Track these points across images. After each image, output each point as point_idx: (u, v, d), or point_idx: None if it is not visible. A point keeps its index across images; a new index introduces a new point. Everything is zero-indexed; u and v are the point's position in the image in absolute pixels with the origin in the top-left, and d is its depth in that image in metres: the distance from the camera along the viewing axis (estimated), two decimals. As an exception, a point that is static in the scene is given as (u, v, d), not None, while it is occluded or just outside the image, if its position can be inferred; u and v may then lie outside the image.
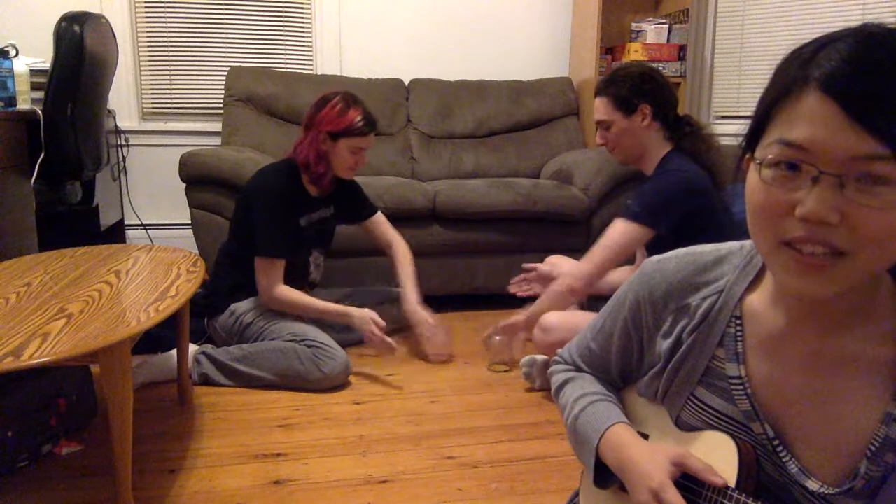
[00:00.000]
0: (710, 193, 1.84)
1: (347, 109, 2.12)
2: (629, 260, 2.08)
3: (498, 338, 2.18)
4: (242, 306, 2.17)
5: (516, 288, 2.28)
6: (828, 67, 0.57)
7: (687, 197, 1.82)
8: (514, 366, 2.20)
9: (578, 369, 0.96)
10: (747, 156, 0.66)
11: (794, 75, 0.59)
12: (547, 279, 2.13)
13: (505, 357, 2.23)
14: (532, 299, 2.09)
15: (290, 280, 2.20)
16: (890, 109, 0.54)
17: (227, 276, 2.23)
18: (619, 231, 1.87)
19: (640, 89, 1.89)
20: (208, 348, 2.13)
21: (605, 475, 0.84)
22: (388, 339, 2.11)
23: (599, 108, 1.95)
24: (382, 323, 2.14)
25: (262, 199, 2.12)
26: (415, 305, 2.32)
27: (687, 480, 0.74)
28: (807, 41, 0.61)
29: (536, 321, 1.99)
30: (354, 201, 2.42)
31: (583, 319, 1.85)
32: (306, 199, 2.22)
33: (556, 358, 1.01)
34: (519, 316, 2.08)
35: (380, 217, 2.46)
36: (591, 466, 0.84)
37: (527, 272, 2.25)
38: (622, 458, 0.79)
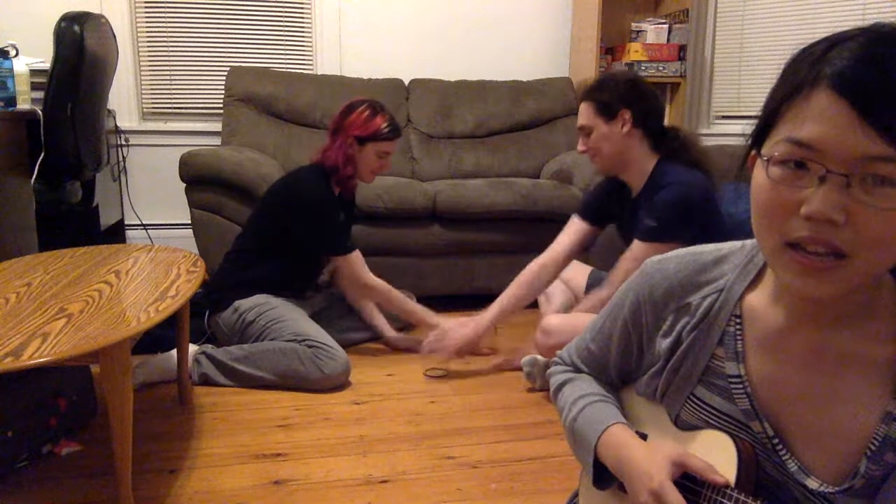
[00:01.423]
0: (714, 197, 1.84)
1: (374, 116, 2.21)
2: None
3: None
4: (246, 304, 2.17)
5: None
6: (839, 66, 0.56)
7: (704, 204, 1.80)
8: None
9: (577, 370, 0.96)
10: (752, 153, 0.65)
11: (804, 73, 0.59)
12: None
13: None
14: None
15: (300, 280, 2.20)
16: None
17: (239, 272, 2.23)
18: (643, 253, 1.82)
19: (622, 95, 1.87)
20: (208, 348, 2.13)
21: (604, 476, 0.84)
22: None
23: (582, 114, 1.94)
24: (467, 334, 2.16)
25: (320, 206, 2.20)
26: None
27: (685, 480, 0.74)
28: (815, 40, 0.61)
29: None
30: (348, 224, 2.47)
31: (584, 322, 1.84)
32: (338, 200, 2.30)
33: (556, 359, 1.01)
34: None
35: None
36: (590, 467, 0.84)
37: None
38: (621, 458, 0.79)
